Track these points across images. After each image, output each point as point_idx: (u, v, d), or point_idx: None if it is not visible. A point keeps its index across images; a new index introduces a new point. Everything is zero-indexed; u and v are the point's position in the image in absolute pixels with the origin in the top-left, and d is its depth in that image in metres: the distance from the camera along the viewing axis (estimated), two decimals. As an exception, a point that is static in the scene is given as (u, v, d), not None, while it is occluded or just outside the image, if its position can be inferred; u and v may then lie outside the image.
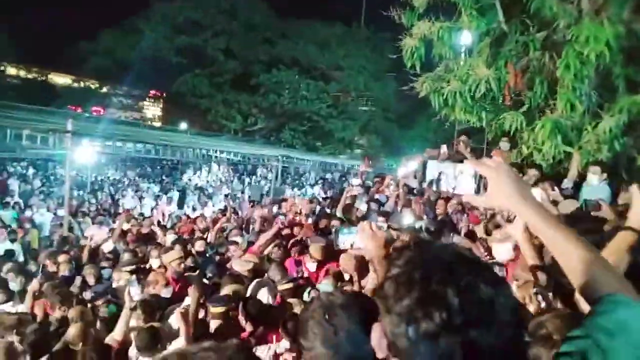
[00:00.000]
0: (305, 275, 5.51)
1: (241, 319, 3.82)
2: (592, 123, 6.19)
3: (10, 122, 11.91)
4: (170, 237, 7.38)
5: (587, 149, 6.30)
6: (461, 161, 1.29)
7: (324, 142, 29.98)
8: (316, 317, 1.47)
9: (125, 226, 9.90)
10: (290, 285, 4.40)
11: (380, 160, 25.35)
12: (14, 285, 5.60)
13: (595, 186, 5.82)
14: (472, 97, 6.97)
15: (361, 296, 1.79)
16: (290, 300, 4.26)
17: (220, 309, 3.93)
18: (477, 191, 1.20)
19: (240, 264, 5.56)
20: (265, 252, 6.11)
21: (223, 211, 11.89)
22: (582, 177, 6.11)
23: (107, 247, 7.62)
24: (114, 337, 3.99)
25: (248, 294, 4.48)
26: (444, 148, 8.72)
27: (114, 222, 11.70)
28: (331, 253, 5.82)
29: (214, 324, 3.94)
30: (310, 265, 5.55)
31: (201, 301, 4.19)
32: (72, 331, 3.89)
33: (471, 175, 1.22)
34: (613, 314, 0.94)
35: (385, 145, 29.44)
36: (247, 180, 22.84)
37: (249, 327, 3.77)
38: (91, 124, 17.17)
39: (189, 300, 4.32)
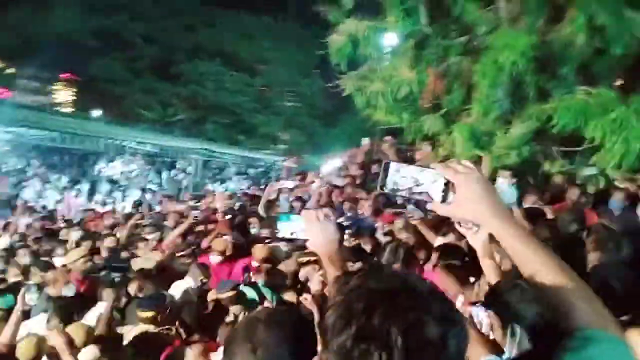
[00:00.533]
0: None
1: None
2: (503, 129, 6.48)
3: None
4: (75, 234, 6.83)
5: (497, 153, 6.58)
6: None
7: (248, 136, 29.49)
8: (238, 334, 1.38)
9: (24, 221, 9.13)
10: (231, 293, 4.12)
11: (303, 157, 25.37)
12: None
13: (504, 190, 6.11)
14: (394, 99, 7.06)
15: (288, 312, 1.67)
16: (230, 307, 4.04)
17: (149, 314, 3.67)
18: (444, 199, 1.07)
19: (141, 262, 5.29)
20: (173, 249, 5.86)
21: (137, 206, 11.29)
22: (490, 180, 6.37)
23: (1, 242, 6.93)
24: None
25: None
26: (365, 141, 8.83)
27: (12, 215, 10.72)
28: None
29: (138, 329, 3.68)
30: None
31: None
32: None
33: (443, 182, 1.07)
34: (583, 352, 0.87)
35: (309, 142, 29.48)
36: (164, 173, 21.88)
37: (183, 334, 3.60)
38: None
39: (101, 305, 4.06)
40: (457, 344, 0.78)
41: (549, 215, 5.06)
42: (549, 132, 6.66)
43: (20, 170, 20.15)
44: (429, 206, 1.08)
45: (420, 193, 1.08)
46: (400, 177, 1.10)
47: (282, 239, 4.70)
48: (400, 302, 0.77)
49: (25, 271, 5.29)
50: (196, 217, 7.18)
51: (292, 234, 1.69)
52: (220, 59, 27.60)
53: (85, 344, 3.42)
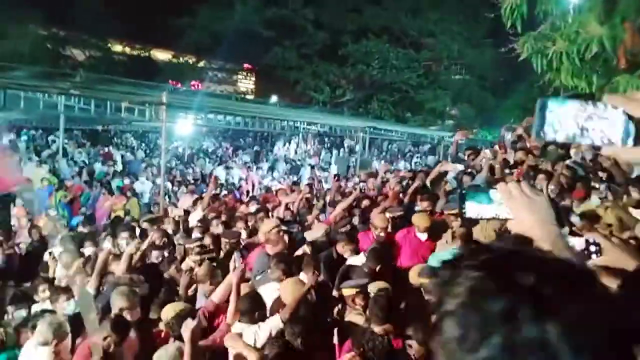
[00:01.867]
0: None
1: None
2: None
3: (112, 94, 12.72)
4: (252, 208, 7.48)
5: None
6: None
7: (414, 112, 29.03)
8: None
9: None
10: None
11: (474, 131, 24.06)
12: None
13: None
14: (581, 59, 6.21)
15: None
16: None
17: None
18: (626, 140, 0.82)
19: (310, 234, 5.53)
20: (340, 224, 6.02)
21: (310, 184, 11.97)
22: None
23: (196, 215, 7.89)
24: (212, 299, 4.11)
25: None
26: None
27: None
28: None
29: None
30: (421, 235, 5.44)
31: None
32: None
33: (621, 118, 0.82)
34: None
35: (480, 116, 27.87)
36: (334, 152, 22.83)
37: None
38: (186, 97, 17.94)
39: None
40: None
41: None
42: None
43: (213, 151, 22.87)
44: (604, 150, 0.85)
45: (592, 137, 0.85)
46: (564, 117, 0.87)
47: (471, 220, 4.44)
48: (555, 294, 0.59)
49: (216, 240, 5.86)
50: (362, 190, 7.29)
51: (480, 214, 1.36)
52: (386, 37, 27.49)
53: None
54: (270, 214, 7.04)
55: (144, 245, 5.29)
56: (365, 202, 6.97)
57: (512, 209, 1.18)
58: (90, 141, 19.73)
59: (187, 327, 3.21)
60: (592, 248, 1.57)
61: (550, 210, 1.17)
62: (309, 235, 5.58)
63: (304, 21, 28.46)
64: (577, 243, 2.06)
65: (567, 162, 6.39)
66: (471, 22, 25.46)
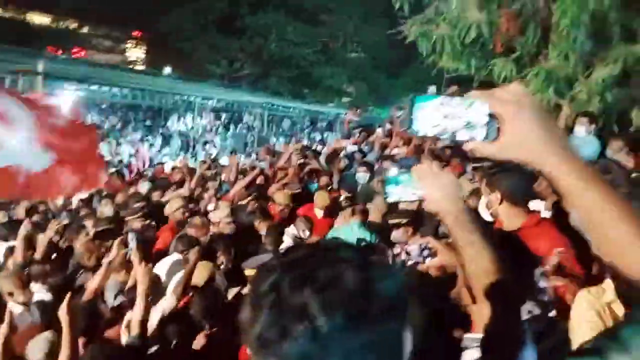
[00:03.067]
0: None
1: None
2: (585, 73, 5.90)
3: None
4: (144, 185, 7.11)
5: (578, 100, 6.04)
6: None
7: (312, 89, 29.28)
8: None
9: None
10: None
11: (366, 110, 24.89)
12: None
13: (583, 138, 5.62)
14: (461, 43, 6.60)
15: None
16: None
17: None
18: (488, 136, 0.84)
19: (214, 214, 5.38)
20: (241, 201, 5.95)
21: (204, 161, 11.68)
22: (570, 130, 5.89)
23: (79, 196, 7.33)
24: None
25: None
26: (431, 89, 8.45)
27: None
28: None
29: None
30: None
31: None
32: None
33: (484, 114, 0.84)
34: None
35: (374, 94, 28.86)
36: (231, 128, 22.35)
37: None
38: (66, 65, 16.39)
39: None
40: (388, 286, 0.68)
41: (629, 166, 4.59)
42: (636, 77, 6.03)
43: (97, 127, 21.23)
44: (467, 146, 0.87)
45: (456, 132, 0.88)
46: (431, 114, 0.90)
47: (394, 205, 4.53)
48: (310, 265, 0.67)
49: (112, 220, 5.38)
50: (262, 168, 7.24)
51: (401, 197, 1.41)
52: (283, 10, 27.20)
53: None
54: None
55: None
56: (261, 180, 6.92)
57: (424, 187, 1.27)
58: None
59: (63, 307, 2.89)
60: (425, 252, 1.73)
61: (457, 187, 1.28)
62: (214, 215, 5.41)
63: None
64: (413, 249, 2.23)
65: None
66: (367, 1, 26.02)
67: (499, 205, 2.62)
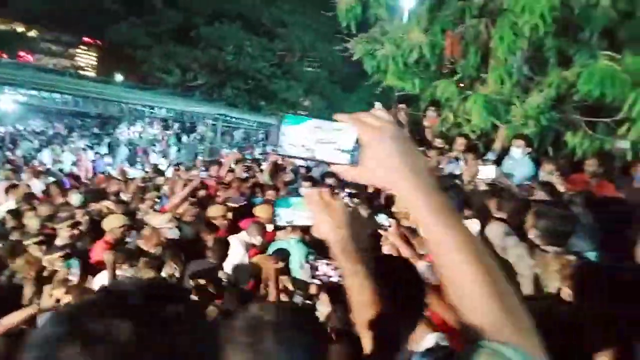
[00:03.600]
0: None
1: None
2: (521, 97, 6.10)
3: None
4: (75, 197, 6.78)
5: (514, 123, 6.23)
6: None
7: (268, 102, 29.21)
8: (238, 339, 1.14)
9: (37, 184, 9.19)
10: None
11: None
12: None
13: (518, 159, 5.79)
14: (404, 63, 6.71)
15: (302, 313, 1.39)
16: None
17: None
18: (353, 160, 0.83)
19: (154, 220, 5.17)
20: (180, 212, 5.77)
21: (153, 170, 11.43)
22: (506, 151, 6.07)
23: (7, 206, 6.92)
24: None
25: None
26: (377, 105, 8.51)
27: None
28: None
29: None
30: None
31: None
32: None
33: (351, 139, 0.82)
34: None
35: (330, 109, 29.09)
36: (183, 138, 21.93)
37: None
38: (7, 70, 15.64)
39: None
40: (176, 341, 0.63)
41: (561, 189, 4.75)
42: (570, 101, 6.29)
43: (42, 132, 20.42)
44: (334, 169, 0.85)
45: (322, 155, 0.85)
46: (300, 135, 0.86)
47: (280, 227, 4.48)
48: (84, 316, 0.63)
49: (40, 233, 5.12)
50: (202, 179, 7.07)
51: (292, 220, 1.38)
52: (240, 23, 27.10)
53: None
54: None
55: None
56: (202, 193, 6.74)
57: (313, 213, 1.21)
58: None
59: None
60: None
61: (346, 216, 1.22)
62: (155, 221, 5.18)
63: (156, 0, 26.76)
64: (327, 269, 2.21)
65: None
66: (323, 17, 26.25)
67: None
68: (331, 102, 28.99)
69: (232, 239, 4.78)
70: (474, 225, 2.98)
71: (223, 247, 4.59)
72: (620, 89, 5.57)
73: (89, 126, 23.48)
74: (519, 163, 5.79)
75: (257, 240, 4.75)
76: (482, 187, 4.74)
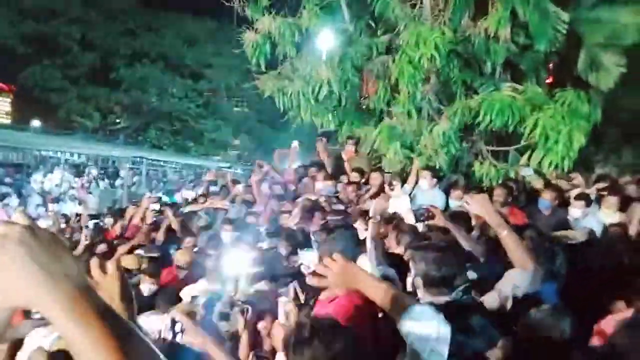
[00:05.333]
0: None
1: None
2: (429, 128, 6.18)
3: None
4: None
5: (425, 153, 6.28)
6: None
7: (196, 142, 28.62)
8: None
9: None
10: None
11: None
12: None
13: (426, 191, 5.80)
14: (316, 99, 6.66)
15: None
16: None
17: None
18: None
19: None
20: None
21: (67, 220, 10.72)
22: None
23: None
24: None
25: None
26: (294, 144, 8.44)
27: None
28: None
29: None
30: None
31: None
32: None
33: None
34: None
35: (260, 147, 28.91)
36: (101, 184, 20.79)
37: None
38: None
39: None
40: None
41: (473, 221, 4.74)
42: (477, 130, 6.46)
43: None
44: None
45: None
46: None
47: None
48: None
49: None
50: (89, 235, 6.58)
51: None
52: (162, 64, 26.62)
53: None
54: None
55: None
56: (102, 247, 6.20)
57: None
58: None
59: None
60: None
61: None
62: None
63: (68, 40, 25.71)
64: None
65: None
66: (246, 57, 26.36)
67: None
68: (261, 141, 28.86)
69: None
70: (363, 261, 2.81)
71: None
72: (520, 117, 5.78)
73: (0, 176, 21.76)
74: (428, 194, 5.81)
75: None
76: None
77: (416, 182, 6.07)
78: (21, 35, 24.78)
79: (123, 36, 26.14)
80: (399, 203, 5.31)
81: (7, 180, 21.37)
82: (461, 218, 4.51)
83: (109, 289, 1.00)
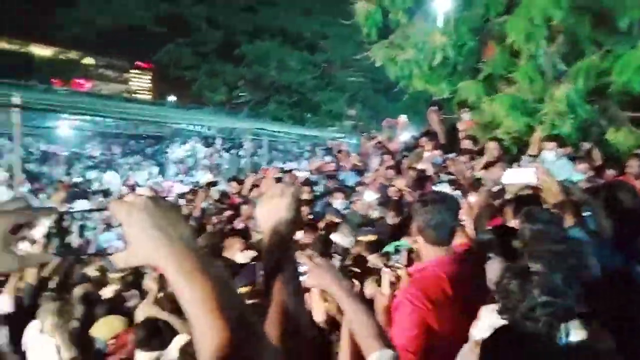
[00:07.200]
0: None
1: None
2: (551, 91, 5.72)
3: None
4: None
5: (547, 121, 5.84)
6: None
7: (313, 114, 29.30)
8: None
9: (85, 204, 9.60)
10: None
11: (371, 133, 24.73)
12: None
13: (552, 162, 5.40)
14: (429, 67, 6.48)
15: None
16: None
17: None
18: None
19: None
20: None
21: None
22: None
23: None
24: None
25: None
26: (402, 118, 8.33)
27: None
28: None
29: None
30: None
31: None
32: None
33: None
34: None
35: (375, 117, 28.78)
36: (226, 155, 22.39)
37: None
38: (70, 98, 16.62)
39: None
40: None
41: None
42: (608, 94, 5.84)
43: (90, 156, 21.43)
44: (112, 259, 0.81)
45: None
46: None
47: None
48: None
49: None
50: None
51: None
52: (281, 37, 27.43)
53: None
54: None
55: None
56: (228, 213, 6.73)
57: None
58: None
59: None
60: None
61: None
62: None
63: (197, 19, 27.56)
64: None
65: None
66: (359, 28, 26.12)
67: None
68: (376, 111, 28.66)
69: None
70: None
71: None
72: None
73: (142, 147, 24.44)
74: (554, 165, 5.40)
75: None
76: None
77: (538, 153, 5.68)
78: (156, 17, 27.05)
79: (244, 12, 27.34)
80: (517, 174, 5.03)
81: (148, 150, 23.97)
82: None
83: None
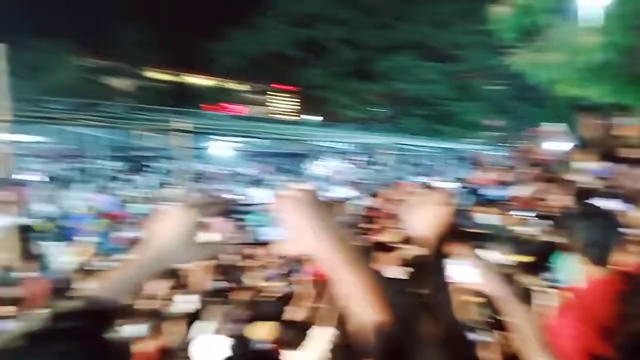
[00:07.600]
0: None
1: None
2: None
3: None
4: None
5: None
6: None
7: (449, 126, 28.55)
8: None
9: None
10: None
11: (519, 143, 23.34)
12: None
13: None
14: (576, 70, 6.00)
15: None
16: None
17: None
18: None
19: None
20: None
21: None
22: None
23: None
24: None
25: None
26: (550, 126, 7.77)
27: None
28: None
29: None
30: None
31: None
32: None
33: None
34: None
35: (519, 126, 27.03)
36: (363, 169, 22.77)
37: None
38: (216, 120, 18.44)
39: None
40: None
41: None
42: None
43: (241, 173, 23.27)
44: (275, 249, 0.94)
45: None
46: None
47: None
48: None
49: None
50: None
51: None
52: (415, 52, 27.31)
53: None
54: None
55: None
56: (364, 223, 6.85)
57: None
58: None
59: None
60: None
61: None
62: None
63: (332, 41, 28.67)
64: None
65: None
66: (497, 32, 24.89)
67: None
68: (520, 120, 26.92)
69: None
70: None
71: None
72: None
73: (284, 164, 25.98)
74: None
75: None
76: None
77: None
78: (295, 42, 28.79)
79: (378, 29, 27.79)
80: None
81: (286, 166, 25.36)
82: None
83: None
